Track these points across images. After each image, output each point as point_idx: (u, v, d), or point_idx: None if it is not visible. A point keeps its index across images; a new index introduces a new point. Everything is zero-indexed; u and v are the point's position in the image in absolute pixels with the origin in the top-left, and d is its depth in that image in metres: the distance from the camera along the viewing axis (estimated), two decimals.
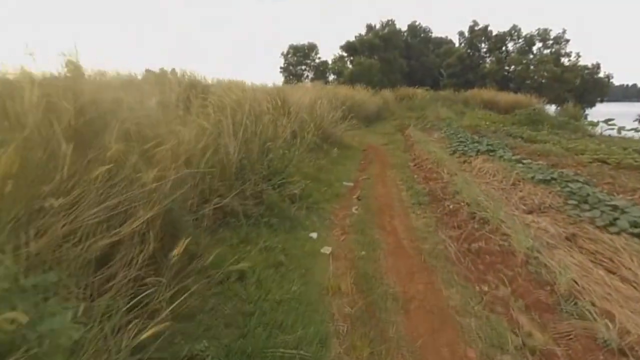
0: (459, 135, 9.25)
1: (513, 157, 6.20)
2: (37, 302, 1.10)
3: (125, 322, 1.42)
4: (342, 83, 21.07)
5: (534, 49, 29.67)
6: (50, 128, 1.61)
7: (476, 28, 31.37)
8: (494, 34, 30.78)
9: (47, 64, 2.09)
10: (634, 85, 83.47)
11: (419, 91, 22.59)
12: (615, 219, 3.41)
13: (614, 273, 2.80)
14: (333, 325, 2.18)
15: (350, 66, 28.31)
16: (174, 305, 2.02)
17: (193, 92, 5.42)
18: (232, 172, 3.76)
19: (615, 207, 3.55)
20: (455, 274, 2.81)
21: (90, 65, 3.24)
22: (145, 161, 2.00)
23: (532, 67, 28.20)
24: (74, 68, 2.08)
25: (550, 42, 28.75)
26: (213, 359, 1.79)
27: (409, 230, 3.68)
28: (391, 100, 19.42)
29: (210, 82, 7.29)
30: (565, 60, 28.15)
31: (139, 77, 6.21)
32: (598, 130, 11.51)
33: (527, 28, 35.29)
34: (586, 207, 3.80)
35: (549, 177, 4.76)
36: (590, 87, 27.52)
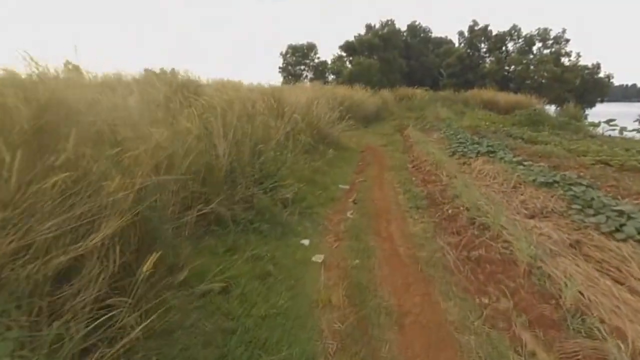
0: (458, 136, 9.09)
1: (514, 159, 6.04)
2: None
3: (79, 352, 1.26)
4: (341, 83, 20.91)
5: (534, 49, 29.54)
6: None
7: (476, 28, 31.22)
8: (493, 33, 30.64)
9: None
10: (634, 85, 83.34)
11: (419, 91, 22.45)
12: (622, 225, 3.25)
13: (621, 284, 2.64)
14: (321, 343, 2.02)
15: (349, 66, 28.15)
16: (149, 321, 1.87)
17: (184, 92, 5.28)
18: (221, 175, 3.60)
19: (621, 213, 3.39)
20: (453, 284, 2.65)
21: (87, 66, 3.18)
22: (117, 166, 1.83)
23: (532, 67, 28.06)
24: (38, 67, 1.92)
25: (550, 42, 28.61)
26: None
27: (406, 236, 3.52)
28: (390, 100, 19.25)
29: (205, 82, 7.15)
30: (565, 60, 28.03)
31: (131, 77, 6.05)
32: (599, 130, 11.36)
33: (527, 28, 35.17)
34: (590, 212, 3.64)
35: (551, 180, 4.60)
36: (591, 87, 27.38)
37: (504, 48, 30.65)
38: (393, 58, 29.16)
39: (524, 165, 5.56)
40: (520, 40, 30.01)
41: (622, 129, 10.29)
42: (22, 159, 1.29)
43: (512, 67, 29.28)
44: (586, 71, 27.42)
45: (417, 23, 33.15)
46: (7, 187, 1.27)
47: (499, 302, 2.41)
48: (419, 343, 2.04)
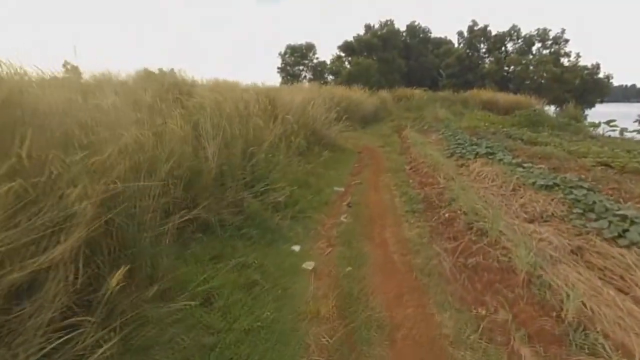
0: (457, 137, 8.96)
1: (513, 161, 5.91)
2: None
3: None
4: (339, 83, 20.80)
5: (534, 49, 29.49)
6: None
7: (475, 28, 31.16)
8: (493, 34, 30.58)
9: None
10: (633, 86, 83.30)
11: (417, 92, 22.33)
12: (625, 230, 3.12)
13: (625, 293, 2.52)
14: None
15: (348, 66, 28.04)
16: (122, 336, 1.75)
17: (175, 92, 5.15)
18: (210, 179, 3.47)
19: (624, 217, 3.27)
20: (449, 294, 2.52)
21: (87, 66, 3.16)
22: (85, 171, 1.71)
23: (531, 67, 27.98)
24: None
25: (550, 42, 28.55)
26: None
27: (401, 242, 3.40)
28: (389, 100, 19.14)
29: (199, 82, 7.02)
30: (565, 61, 27.98)
31: (124, 76, 5.93)
32: (600, 131, 11.25)
33: (527, 28, 35.02)
34: (592, 216, 3.51)
35: (551, 183, 4.48)
36: (590, 87, 27.29)
37: (503, 48, 30.58)
38: (392, 58, 29.06)
39: (524, 167, 5.44)
40: (519, 41, 29.96)
41: (623, 130, 10.18)
42: None
43: (512, 67, 29.20)
44: (586, 71, 27.35)
45: (416, 23, 33.09)
46: None
47: (497, 313, 2.28)
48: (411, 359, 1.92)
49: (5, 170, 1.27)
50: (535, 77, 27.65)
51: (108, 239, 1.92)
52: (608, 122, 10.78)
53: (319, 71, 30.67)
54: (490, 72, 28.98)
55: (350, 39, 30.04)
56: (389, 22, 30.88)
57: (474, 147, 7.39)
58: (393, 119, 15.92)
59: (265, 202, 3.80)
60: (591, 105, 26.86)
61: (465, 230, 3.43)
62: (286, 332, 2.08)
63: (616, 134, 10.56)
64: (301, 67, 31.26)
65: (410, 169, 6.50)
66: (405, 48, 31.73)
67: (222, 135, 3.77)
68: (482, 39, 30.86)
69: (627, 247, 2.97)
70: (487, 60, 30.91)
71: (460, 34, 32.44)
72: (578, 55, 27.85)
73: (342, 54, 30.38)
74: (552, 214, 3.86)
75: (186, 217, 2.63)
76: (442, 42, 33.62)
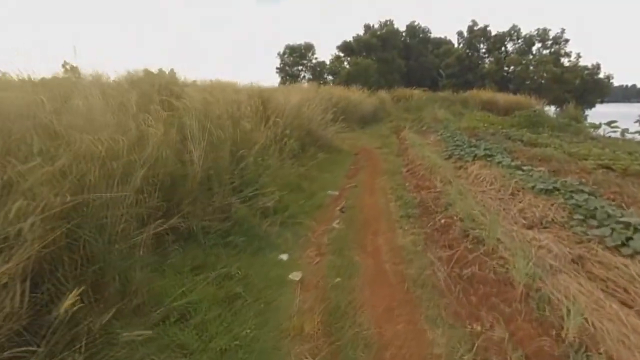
0: (455, 139, 8.81)
1: (512, 163, 5.76)
2: None
3: None
4: (338, 84, 20.66)
5: (534, 49, 29.32)
6: None
7: (475, 28, 31.00)
8: (493, 34, 30.42)
9: None
10: (634, 86, 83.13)
11: (417, 92, 22.17)
12: (628, 238, 2.98)
13: (629, 307, 2.38)
14: None
15: (347, 66, 27.89)
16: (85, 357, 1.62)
17: (167, 93, 5.01)
18: (195, 184, 3.33)
19: (627, 225, 3.12)
20: (442, 308, 2.37)
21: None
22: (43, 181, 1.56)
23: (531, 67, 27.83)
24: None
25: (550, 42, 28.39)
26: None
27: (394, 250, 3.25)
28: (388, 101, 19.00)
29: (193, 82, 6.87)
30: (565, 61, 27.83)
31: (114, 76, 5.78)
32: (600, 132, 11.09)
33: (527, 28, 34.85)
34: (594, 222, 3.37)
35: (551, 187, 4.33)
36: (590, 87, 27.14)
37: (503, 48, 30.43)
38: (391, 58, 28.91)
39: (523, 170, 5.29)
40: (519, 41, 29.80)
41: (624, 131, 10.02)
42: None
43: (512, 67, 29.05)
44: (586, 72, 27.20)
45: (416, 23, 32.93)
46: None
47: (492, 330, 2.14)
48: None
49: None
50: (535, 77, 27.50)
51: (72, 254, 1.78)
52: (609, 123, 10.62)
53: (318, 71, 30.51)
54: (490, 72, 28.83)
55: (349, 39, 29.94)
56: (388, 22, 30.74)
57: (473, 148, 7.25)
58: (392, 119, 15.78)
59: (254, 208, 3.66)
60: (591, 105, 26.71)
61: (461, 237, 3.29)
62: (266, 351, 1.94)
63: (617, 134, 10.40)
64: (300, 68, 31.10)
65: (407, 171, 6.36)
66: (405, 48, 31.57)
67: (210, 138, 3.63)
68: (482, 39, 30.71)
69: (631, 256, 2.82)
70: (487, 61, 30.76)
71: (460, 34, 32.33)
72: (578, 56, 27.74)
73: (341, 54, 30.25)
74: (552, 220, 3.72)
75: (164, 226, 2.48)
76: (442, 42, 33.46)
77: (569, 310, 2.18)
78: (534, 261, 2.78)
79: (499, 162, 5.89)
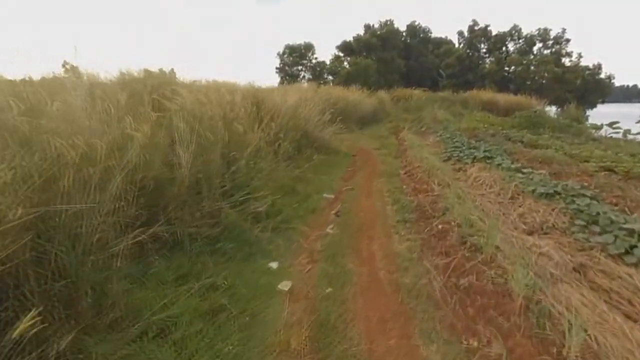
0: (454, 140, 8.69)
1: (512, 166, 5.64)
2: None
3: None
4: (337, 84, 20.53)
5: (535, 49, 29.16)
6: None
7: (476, 28, 30.86)
8: (493, 34, 30.27)
9: None
10: (635, 86, 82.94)
11: (417, 92, 22.03)
12: (632, 246, 2.86)
13: (634, 320, 2.26)
14: None
15: (347, 66, 27.75)
16: None
17: (159, 93, 4.89)
18: (183, 188, 3.22)
19: (631, 232, 3.01)
20: (438, 321, 2.26)
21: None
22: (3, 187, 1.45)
23: (532, 67, 27.68)
24: None
25: (551, 42, 28.23)
26: None
27: (389, 257, 3.14)
28: (387, 101, 18.87)
29: (187, 82, 6.75)
30: (566, 61, 27.67)
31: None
32: (602, 133, 10.96)
33: (528, 28, 34.73)
34: (596, 229, 3.25)
35: (551, 191, 4.21)
36: (592, 87, 27.00)
37: (504, 48, 30.28)
38: (391, 58, 28.77)
39: (523, 173, 5.17)
40: (520, 41, 29.65)
41: (626, 132, 9.89)
42: None
43: (512, 67, 28.90)
44: (587, 72, 27.06)
45: (416, 23, 32.80)
46: None
47: (490, 346, 2.03)
48: None
49: None
50: (536, 78, 27.35)
51: (40, 267, 1.67)
52: (611, 124, 10.49)
53: (318, 71, 30.38)
54: (490, 72, 28.69)
55: (349, 39, 29.81)
56: (388, 22, 30.60)
57: (472, 150, 7.13)
58: (391, 120, 15.66)
59: (245, 212, 3.55)
60: (593, 105, 26.57)
61: (459, 244, 3.17)
62: None
63: (619, 135, 10.27)
64: (300, 68, 30.97)
65: (405, 173, 6.24)
66: (406, 48, 31.43)
67: (200, 140, 3.52)
68: (483, 38, 30.56)
69: (635, 265, 2.71)
70: (487, 61, 30.61)
71: (460, 33, 32.19)
72: (580, 56, 27.58)
73: (341, 54, 30.12)
74: (553, 225, 3.60)
75: (146, 234, 2.36)
76: (443, 42, 33.32)
77: (570, 325, 2.07)
78: (534, 270, 2.67)
79: (499, 165, 5.78)
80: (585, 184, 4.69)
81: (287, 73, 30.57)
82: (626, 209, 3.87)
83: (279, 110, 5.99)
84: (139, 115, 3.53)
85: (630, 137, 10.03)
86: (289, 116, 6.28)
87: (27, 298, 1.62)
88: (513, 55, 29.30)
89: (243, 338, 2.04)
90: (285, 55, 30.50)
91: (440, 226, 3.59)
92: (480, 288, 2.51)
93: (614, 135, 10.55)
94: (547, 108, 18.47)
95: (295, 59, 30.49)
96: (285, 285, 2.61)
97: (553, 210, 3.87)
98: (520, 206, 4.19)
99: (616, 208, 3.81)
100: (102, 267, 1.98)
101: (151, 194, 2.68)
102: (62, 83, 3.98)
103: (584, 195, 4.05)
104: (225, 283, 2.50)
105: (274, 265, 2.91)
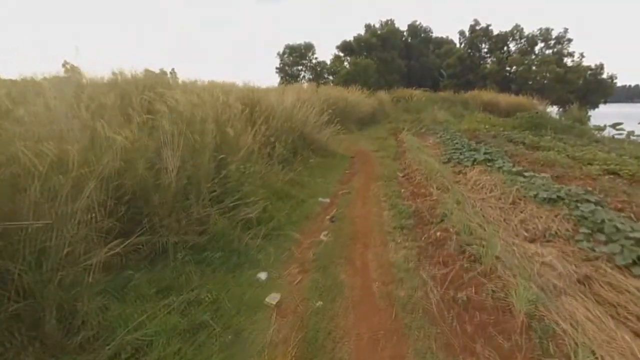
0: (455, 141, 8.55)
1: (513, 169, 5.49)
2: None
3: None
4: (337, 84, 20.38)
5: (536, 49, 28.91)
6: None
7: (477, 28, 30.65)
8: (495, 33, 30.03)
9: None
10: (637, 86, 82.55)
11: (417, 92, 21.85)
12: None
13: None
14: None
15: (347, 66, 27.58)
16: None
17: (150, 94, 4.76)
18: (169, 194, 3.08)
19: (638, 241, 2.86)
20: (434, 339, 2.12)
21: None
22: None
23: (534, 67, 27.44)
24: None
25: (553, 42, 28.00)
26: None
27: (384, 267, 3.00)
28: (387, 102, 18.69)
29: (181, 83, 6.62)
30: (568, 61, 27.42)
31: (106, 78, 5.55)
32: (605, 134, 10.78)
33: (530, 28, 34.51)
34: (601, 237, 3.11)
35: (554, 196, 4.06)
36: (594, 88, 26.76)
37: (505, 48, 30.05)
38: (392, 58, 28.60)
39: (525, 177, 5.02)
40: (522, 41, 29.41)
41: (630, 133, 9.71)
42: None
43: (514, 67, 28.67)
44: (589, 72, 26.82)
45: (417, 23, 32.62)
46: None
47: None
48: None
49: None
50: (538, 78, 27.12)
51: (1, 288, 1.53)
52: (614, 125, 10.32)
53: (318, 71, 30.22)
54: (491, 73, 28.48)
55: (350, 38, 29.64)
56: (389, 22, 30.42)
57: (472, 152, 6.98)
58: (391, 120, 15.50)
59: (235, 219, 3.41)
60: (595, 105, 26.36)
61: (457, 254, 3.03)
62: None
63: (622, 136, 10.09)
64: (300, 67, 30.81)
65: (404, 176, 6.09)
66: (406, 48, 31.25)
67: (188, 143, 3.39)
68: (484, 38, 30.34)
69: None
70: (488, 61, 30.38)
71: (461, 33, 31.95)
72: (582, 55, 27.32)
73: (341, 54, 29.95)
74: (556, 232, 3.45)
75: (125, 244, 2.23)
76: (444, 42, 33.14)
77: (576, 345, 1.93)
78: (537, 282, 2.53)
79: (500, 168, 5.63)
80: (589, 188, 4.54)
81: (287, 73, 30.42)
82: (632, 215, 3.72)
83: (274, 112, 5.85)
84: (126, 117, 3.41)
85: (633, 138, 9.86)
86: (284, 118, 6.14)
87: None
88: (514, 55, 29.07)
89: (224, 359, 1.90)
90: (285, 55, 30.36)
91: (438, 233, 3.45)
92: (479, 303, 2.37)
93: (617, 137, 10.38)
94: (549, 108, 18.32)
95: (296, 58, 30.34)
96: (273, 299, 2.47)
97: (556, 216, 3.73)
98: (521, 212, 4.04)
99: (622, 215, 3.66)
100: (72, 282, 1.84)
101: (133, 201, 2.55)
102: (39, 84, 3.86)
103: (587, 201, 3.90)
104: (210, 296, 2.37)
105: (262, 275, 2.77)
